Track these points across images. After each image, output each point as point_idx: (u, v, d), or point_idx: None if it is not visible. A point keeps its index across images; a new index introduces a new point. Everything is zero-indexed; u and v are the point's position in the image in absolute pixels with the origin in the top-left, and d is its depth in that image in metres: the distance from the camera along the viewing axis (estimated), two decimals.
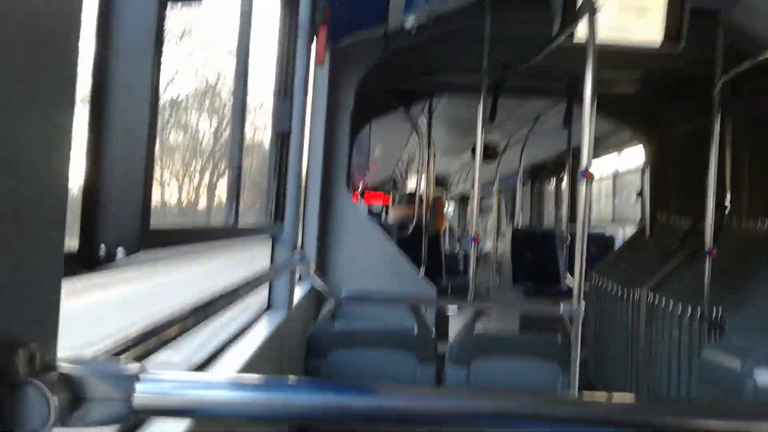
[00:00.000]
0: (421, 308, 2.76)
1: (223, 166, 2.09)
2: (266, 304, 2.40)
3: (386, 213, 13.04)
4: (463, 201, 14.96)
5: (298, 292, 2.85)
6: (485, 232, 10.74)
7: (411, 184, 10.76)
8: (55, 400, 0.54)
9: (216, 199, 2.35)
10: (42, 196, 0.59)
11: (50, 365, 0.57)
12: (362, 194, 5.84)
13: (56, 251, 0.63)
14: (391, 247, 3.67)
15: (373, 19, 3.39)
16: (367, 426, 0.64)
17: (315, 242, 3.33)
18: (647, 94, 4.61)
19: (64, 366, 0.57)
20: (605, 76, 4.15)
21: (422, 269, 5.03)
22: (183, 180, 2.18)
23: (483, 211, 11.31)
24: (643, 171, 5.47)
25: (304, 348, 2.74)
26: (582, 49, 2.58)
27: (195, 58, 1.98)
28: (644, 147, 4.95)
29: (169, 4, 0.95)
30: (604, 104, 4.62)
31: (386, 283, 3.47)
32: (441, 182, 13.15)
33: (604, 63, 3.82)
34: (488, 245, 10.41)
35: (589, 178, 2.41)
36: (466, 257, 9.79)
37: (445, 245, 7.65)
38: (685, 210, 4.27)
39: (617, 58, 3.81)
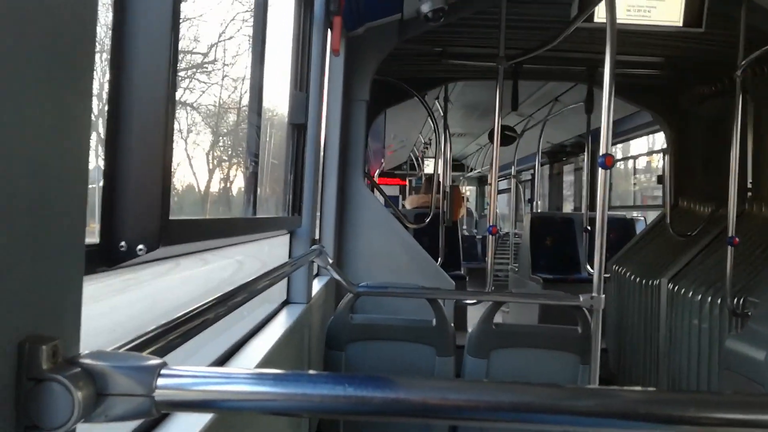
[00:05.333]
0: (440, 299, 2.75)
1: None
2: (285, 298, 2.41)
3: (403, 197, 12.96)
4: (480, 183, 14.83)
5: (317, 285, 2.84)
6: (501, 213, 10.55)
7: (428, 169, 10.62)
8: (78, 396, 0.54)
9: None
10: (62, 191, 0.59)
11: (72, 360, 0.57)
12: (375, 184, 5.75)
13: (77, 247, 0.63)
14: (409, 238, 3.65)
15: (389, 7, 3.35)
16: (386, 418, 0.64)
17: (333, 234, 3.33)
18: (668, 77, 4.51)
19: (86, 361, 0.57)
20: (625, 59, 4.07)
21: (440, 260, 5.01)
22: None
23: (500, 192, 11.17)
24: (663, 156, 5.37)
25: (324, 340, 2.74)
26: (601, 32, 2.52)
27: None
28: (665, 131, 4.85)
29: None
30: (624, 88, 4.54)
31: (404, 275, 3.45)
32: (457, 165, 12.99)
33: (624, 46, 3.75)
34: (505, 227, 10.31)
35: (609, 163, 2.35)
36: (484, 240, 9.72)
37: (463, 228, 7.55)
38: (707, 196, 4.19)
39: (637, 41, 3.74)
